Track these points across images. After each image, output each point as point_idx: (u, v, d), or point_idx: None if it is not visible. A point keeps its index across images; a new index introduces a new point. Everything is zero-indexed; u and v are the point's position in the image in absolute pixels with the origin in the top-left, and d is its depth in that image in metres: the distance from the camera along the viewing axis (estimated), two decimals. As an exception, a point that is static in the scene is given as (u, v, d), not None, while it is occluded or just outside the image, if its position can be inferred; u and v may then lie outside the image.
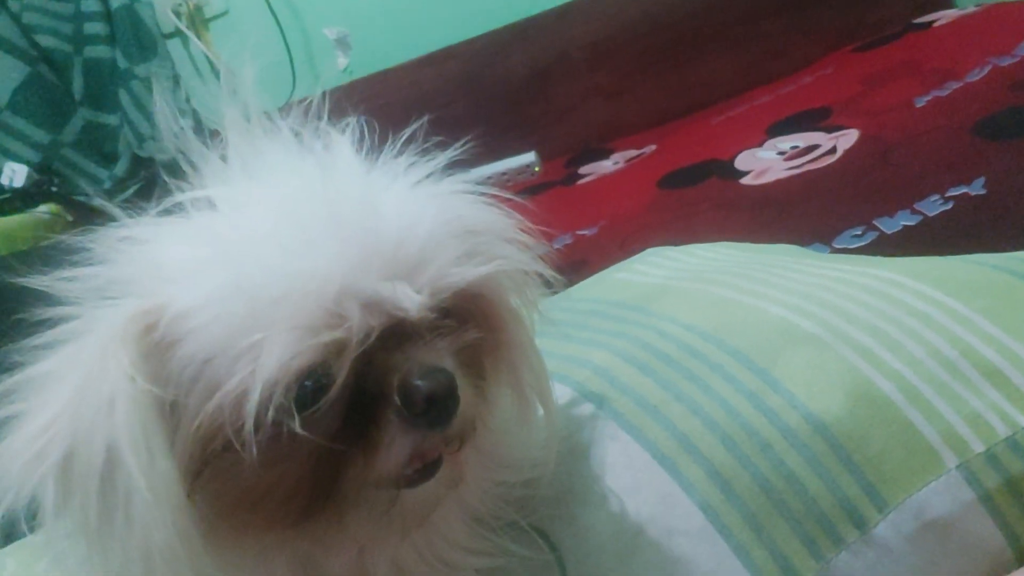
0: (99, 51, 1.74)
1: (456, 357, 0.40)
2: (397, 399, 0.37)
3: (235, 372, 0.35)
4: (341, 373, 0.36)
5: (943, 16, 1.77)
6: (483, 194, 0.45)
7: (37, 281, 0.39)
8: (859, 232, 0.97)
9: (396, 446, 0.37)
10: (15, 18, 1.70)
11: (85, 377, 0.35)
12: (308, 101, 0.44)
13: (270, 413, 0.35)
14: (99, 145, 1.78)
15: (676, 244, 1.14)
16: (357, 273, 0.36)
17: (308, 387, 0.36)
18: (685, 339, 0.47)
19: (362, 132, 0.44)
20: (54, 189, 1.69)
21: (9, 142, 1.73)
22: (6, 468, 0.35)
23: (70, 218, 1.70)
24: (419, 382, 0.37)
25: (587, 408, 0.46)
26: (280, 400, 0.35)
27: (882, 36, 1.77)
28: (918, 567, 0.40)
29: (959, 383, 0.42)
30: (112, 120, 1.76)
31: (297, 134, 0.43)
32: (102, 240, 0.39)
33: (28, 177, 1.67)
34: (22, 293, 0.40)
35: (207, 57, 1.82)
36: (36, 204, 1.63)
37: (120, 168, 1.76)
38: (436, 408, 0.37)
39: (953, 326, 0.44)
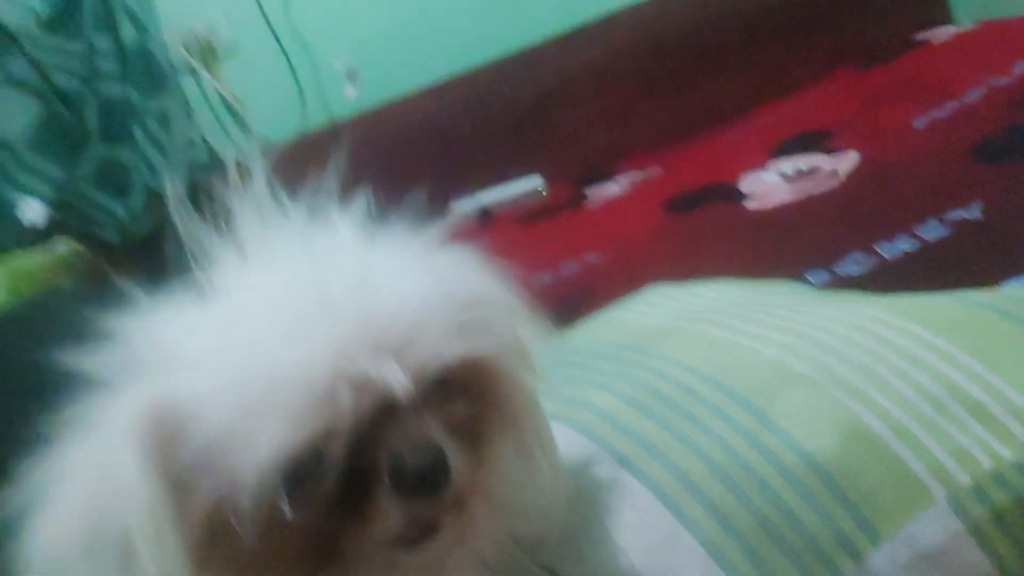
0: (112, 88, 1.78)
1: (451, 426, 0.42)
2: (386, 476, 0.39)
3: (233, 459, 0.37)
4: (333, 455, 0.38)
5: (941, 33, 1.80)
6: (484, 263, 0.46)
7: (62, 353, 0.42)
8: (860, 258, 0.99)
9: (390, 518, 0.39)
10: (29, 58, 1.74)
11: (101, 468, 0.38)
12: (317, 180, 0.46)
13: (265, 496, 0.37)
14: (114, 180, 1.81)
15: (682, 271, 1.17)
16: (346, 357, 0.38)
17: (302, 469, 0.38)
18: (684, 380, 0.49)
19: (365, 200, 0.46)
20: (71, 224, 1.72)
21: (26, 179, 1.76)
22: (34, 553, 0.38)
23: (87, 252, 1.74)
24: (407, 458, 0.39)
25: (591, 450, 0.48)
26: (273, 485, 0.37)
27: (882, 54, 1.79)
28: (912, 596, 0.42)
29: (945, 419, 0.44)
30: (126, 155, 1.80)
31: (308, 210, 0.45)
32: (122, 321, 0.41)
33: (45, 214, 1.71)
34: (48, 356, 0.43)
35: (218, 91, 1.85)
36: (53, 240, 1.67)
37: (135, 203, 1.79)
38: (426, 482, 0.39)
39: (940, 364, 0.46)
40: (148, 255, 0.45)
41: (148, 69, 1.77)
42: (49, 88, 1.76)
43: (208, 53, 1.83)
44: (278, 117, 1.88)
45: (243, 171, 0.49)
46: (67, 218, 1.75)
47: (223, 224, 0.45)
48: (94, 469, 0.38)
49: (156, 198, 1.81)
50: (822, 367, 0.47)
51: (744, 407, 0.46)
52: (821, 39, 1.91)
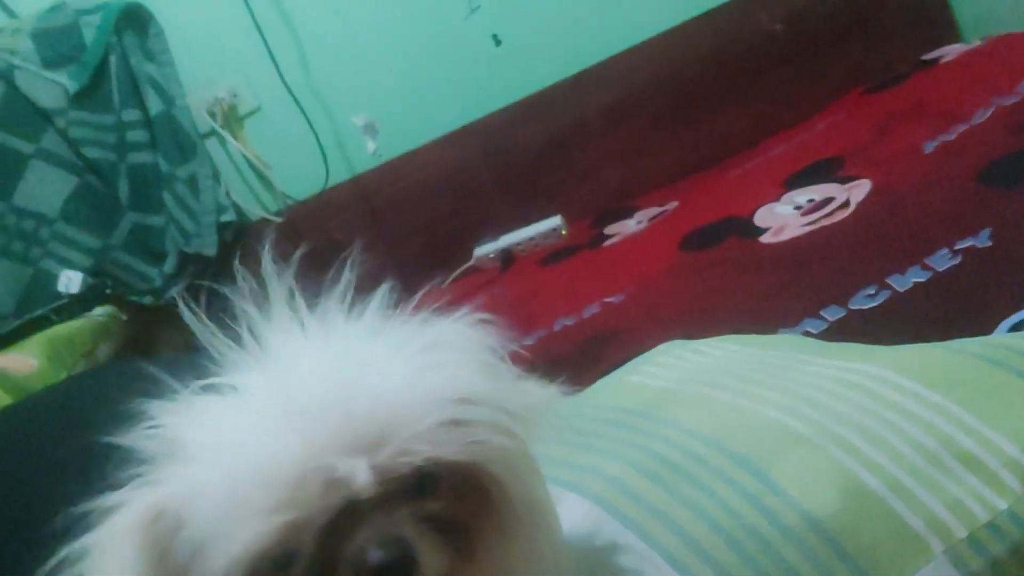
0: (142, 157, 1.85)
1: (435, 522, 0.43)
2: (350, 571, 0.41)
3: (215, 554, 0.40)
4: (303, 549, 0.41)
5: (949, 52, 1.81)
6: (482, 357, 0.47)
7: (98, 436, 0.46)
8: (872, 292, 1.01)
9: None
10: (62, 133, 1.82)
11: (104, 560, 0.42)
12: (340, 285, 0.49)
13: None
14: (147, 245, 1.87)
15: (698, 311, 1.19)
16: (315, 455, 0.40)
17: (275, 563, 0.41)
18: (689, 445, 0.52)
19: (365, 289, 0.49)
20: (108, 291, 1.79)
21: (63, 250, 1.83)
22: None
23: (124, 317, 1.80)
24: (370, 553, 0.40)
25: (604, 519, 0.51)
26: None
27: (891, 76, 1.81)
28: (916, 648, 0.43)
29: (940, 472, 0.46)
30: (158, 221, 1.86)
31: (312, 300, 0.48)
32: (152, 409, 0.45)
33: (83, 282, 1.77)
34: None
35: (243, 153, 1.91)
36: (92, 308, 1.73)
37: (168, 265, 1.85)
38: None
39: (933, 418, 0.48)
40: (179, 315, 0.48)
41: (175, 137, 1.83)
42: (82, 161, 1.84)
43: (232, 118, 1.90)
44: (302, 175, 1.94)
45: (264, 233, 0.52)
46: (103, 284, 1.81)
47: (235, 311, 0.48)
48: (98, 560, 0.42)
49: (188, 260, 1.87)
50: (819, 427, 0.49)
51: (746, 469, 0.49)
52: (829, 64, 1.93)
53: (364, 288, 0.52)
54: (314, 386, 0.43)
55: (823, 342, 0.67)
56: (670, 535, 0.48)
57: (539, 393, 0.63)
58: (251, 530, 0.40)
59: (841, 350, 0.60)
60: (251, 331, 0.46)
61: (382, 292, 0.49)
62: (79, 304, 1.73)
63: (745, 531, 0.46)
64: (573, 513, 0.52)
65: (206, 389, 0.46)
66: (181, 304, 0.48)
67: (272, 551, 0.40)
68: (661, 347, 0.69)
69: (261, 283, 0.49)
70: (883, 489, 0.46)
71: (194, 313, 0.48)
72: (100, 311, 1.73)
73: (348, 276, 0.49)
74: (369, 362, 0.44)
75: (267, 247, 0.50)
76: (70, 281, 1.76)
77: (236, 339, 0.47)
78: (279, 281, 0.48)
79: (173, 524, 0.42)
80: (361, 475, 0.40)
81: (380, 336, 0.47)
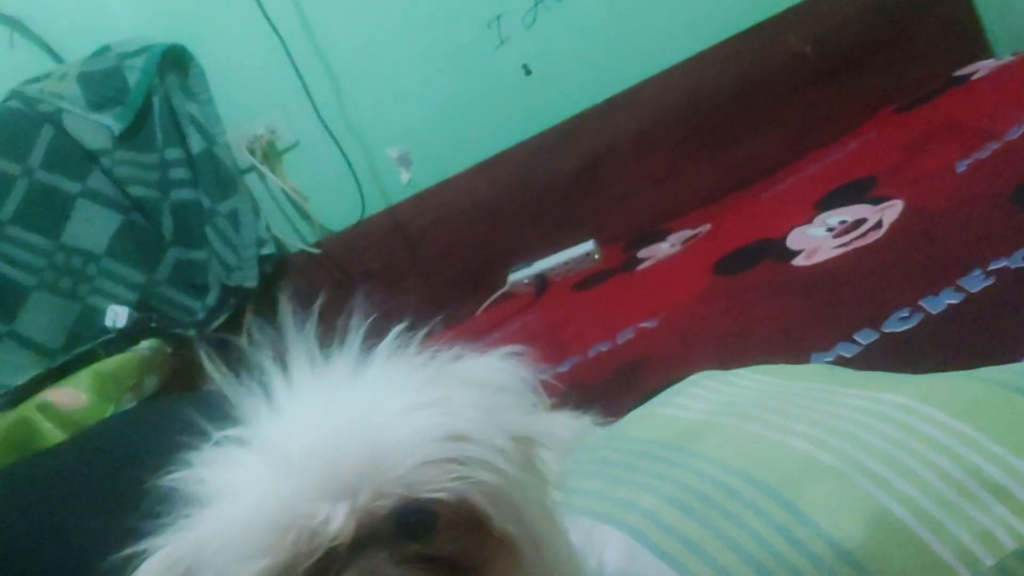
0: (184, 194, 1.90)
1: (422, 561, 0.44)
2: None
3: None
4: None
5: (982, 67, 1.80)
6: (485, 392, 0.49)
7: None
8: (906, 314, 1.01)
9: None
10: (107, 173, 1.88)
11: None
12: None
13: None
14: (190, 279, 1.92)
15: (732, 336, 1.20)
16: (301, 501, 0.43)
17: None
18: (720, 478, 0.53)
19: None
20: (153, 325, 1.83)
21: (110, 286, 1.89)
22: None
23: (169, 350, 1.84)
24: None
25: (639, 551, 0.52)
26: None
27: (923, 94, 1.80)
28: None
29: (967, 502, 0.47)
30: (201, 255, 1.91)
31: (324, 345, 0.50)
32: (183, 455, 0.48)
33: (129, 316, 1.82)
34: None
35: (282, 188, 1.96)
36: (138, 342, 1.77)
37: (211, 298, 1.90)
38: None
39: (960, 448, 0.49)
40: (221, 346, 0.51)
41: (216, 174, 1.88)
42: (127, 199, 1.90)
43: (270, 153, 1.95)
44: (338, 206, 1.98)
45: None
46: (148, 318, 1.86)
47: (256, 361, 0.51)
48: None
49: (229, 293, 1.91)
50: (847, 458, 0.50)
51: (776, 500, 0.50)
52: (859, 84, 1.93)
53: (395, 318, 0.54)
54: (306, 434, 0.45)
55: (852, 371, 0.68)
56: (703, 566, 0.49)
57: (571, 425, 0.65)
58: (244, 573, 0.42)
59: (869, 379, 0.61)
60: (263, 383, 0.49)
61: (393, 333, 0.51)
62: (125, 338, 1.78)
63: (776, 561, 0.47)
64: (609, 546, 0.53)
65: (221, 441, 0.49)
66: (204, 357, 0.50)
67: None
68: (693, 378, 0.71)
69: (296, 316, 0.52)
70: (911, 519, 0.46)
71: (214, 363, 0.50)
72: (145, 344, 1.78)
73: (360, 321, 0.52)
74: (361, 407, 0.47)
75: (284, 301, 0.53)
76: (117, 316, 1.81)
77: (254, 387, 0.50)
78: (296, 331, 0.51)
79: (188, 569, 0.45)
80: (337, 520, 0.43)
81: (379, 378, 0.49)
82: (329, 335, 0.53)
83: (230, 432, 0.49)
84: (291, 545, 0.42)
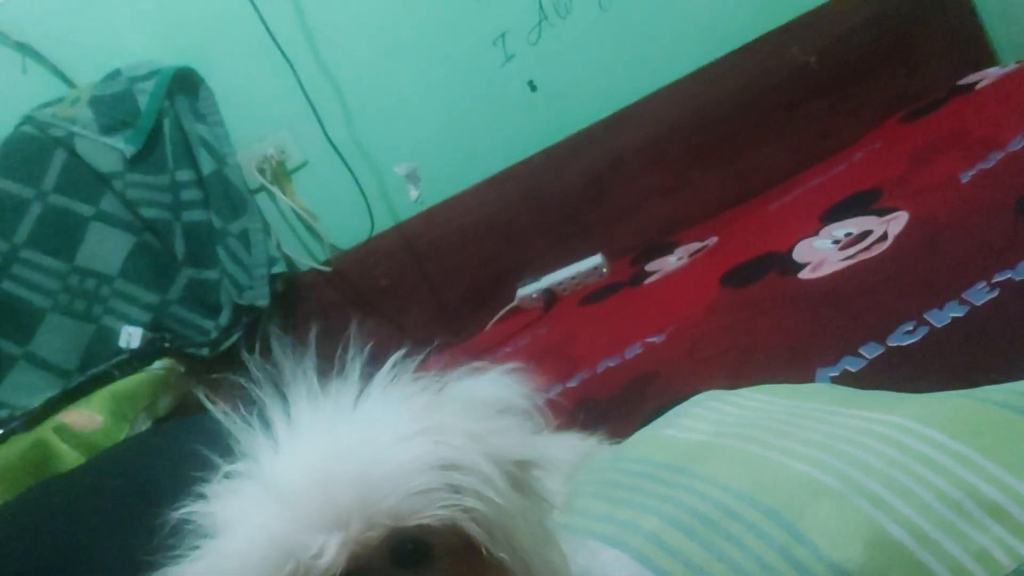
0: (196, 214, 1.92)
1: None
2: None
3: None
4: None
5: (987, 76, 1.80)
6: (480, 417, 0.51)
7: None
8: (911, 328, 1.01)
9: None
10: (120, 195, 1.90)
11: None
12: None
13: None
14: (203, 299, 1.94)
15: (739, 349, 1.21)
16: (296, 533, 0.44)
17: None
18: (722, 500, 0.54)
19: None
20: (167, 345, 1.85)
21: (123, 307, 1.91)
22: None
23: (182, 369, 1.86)
24: None
25: (643, 574, 0.53)
26: None
27: (928, 103, 1.81)
28: None
29: (965, 522, 0.47)
30: (213, 275, 1.93)
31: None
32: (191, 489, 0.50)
33: (143, 337, 1.84)
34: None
35: (292, 207, 1.98)
36: (152, 362, 1.79)
37: (223, 317, 1.92)
38: None
39: (957, 468, 0.49)
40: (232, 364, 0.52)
41: (227, 194, 1.90)
42: (139, 221, 1.92)
43: (280, 173, 1.97)
44: (348, 224, 2.00)
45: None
46: (162, 339, 1.88)
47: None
48: None
49: (242, 312, 1.93)
50: (847, 479, 0.51)
51: (776, 522, 0.51)
52: (864, 94, 1.94)
53: (404, 334, 0.55)
54: (302, 468, 0.47)
55: (853, 390, 0.69)
56: (704, 588, 0.50)
57: (576, 445, 0.66)
58: None
59: (870, 400, 0.62)
60: (263, 416, 0.50)
61: (391, 361, 0.53)
62: (139, 359, 1.80)
63: (776, 583, 0.48)
64: (614, 568, 0.54)
65: (226, 474, 0.51)
66: (203, 398, 0.52)
67: None
68: (696, 398, 0.72)
69: (295, 345, 0.54)
70: (909, 539, 0.47)
71: (214, 403, 0.51)
72: (159, 364, 1.79)
73: (359, 348, 0.53)
74: (355, 439, 0.48)
75: (273, 334, 0.54)
76: (131, 337, 1.83)
77: (254, 420, 0.51)
78: (294, 362, 0.52)
79: None
80: (330, 552, 0.44)
81: (374, 409, 0.50)
82: (336, 353, 0.54)
83: (234, 466, 0.50)
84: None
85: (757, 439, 0.58)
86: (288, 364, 0.51)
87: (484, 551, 0.47)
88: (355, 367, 0.53)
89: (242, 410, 0.51)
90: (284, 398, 0.51)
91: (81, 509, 0.87)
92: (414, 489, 0.46)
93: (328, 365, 0.54)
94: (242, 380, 0.53)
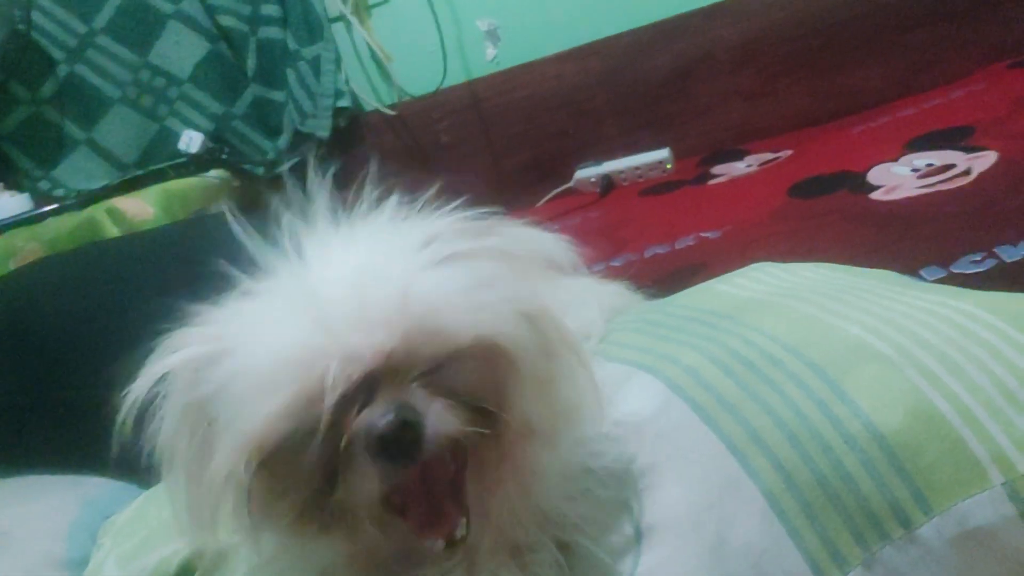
0: (272, 32, 1.90)
1: (460, 396, 0.45)
2: (359, 440, 0.43)
3: (242, 422, 0.44)
4: (321, 423, 0.43)
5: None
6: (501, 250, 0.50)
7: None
8: (979, 258, 0.98)
9: (367, 481, 0.44)
10: (201, -1, 1.88)
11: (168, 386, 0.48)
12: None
13: (266, 452, 0.44)
14: (266, 119, 1.94)
15: (796, 254, 1.18)
16: (333, 334, 0.43)
17: (296, 436, 0.44)
18: (768, 348, 0.52)
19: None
20: (224, 156, 1.86)
21: (188, 111, 1.91)
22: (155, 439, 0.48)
23: (236, 183, 1.87)
24: (375, 423, 0.42)
25: (672, 400, 0.53)
26: (268, 448, 0.43)
27: (1042, 53, 1.72)
28: (957, 569, 0.44)
29: (1014, 410, 0.46)
30: (279, 97, 1.92)
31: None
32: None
33: (202, 144, 1.85)
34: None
35: (367, 43, 1.94)
36: (208, 169, 1.81)
37: (283, 142, 1.92)
38: (391, 445, 0.43)
39: (1018, 359, 0.48)
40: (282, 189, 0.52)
41: (306, 17, 1.87)
42: (216, 28, 1.90)
43: (361, 5, 1.92)
44: (420, 72, 1.96)
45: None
46: (220, 149, 1.89)
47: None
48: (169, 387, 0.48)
49: (301, 139, 1.93)
50: (900, 348, 0.49)
51: (820, 376, 0.49)
52: (978, 32, 1.83)
53: (456, 195, 0.54)
54: (333, 277, 0.46)
55: (920, 281, 0.67)
56: (734, 424, 0.49)
57: (622, 293, 0.65)
58: (268, 405, 0.43)
59: (938, 289, 0.60)
60: (292, 239, 0.49)
61: (428, 193, 0.51)
62: (196, 164, 1.81)
63: (809, 432, 0.47)
64: (645, 392, 0.54)
65: (247, 293, 0.50)
66: (229, 218, 0.50)
67: (288, 427, 0.43)
68: (754, 265, 0.70)
69: (374, 171, 0.53)
70: (953, 414, 0.46)
71: (245, 230, 0.50)
72: (214, 174, 1.81)
73: (382, 182, 0.52)
74: (388, 253, 0.47)
75: (311, 161, 0.53)
76: (191, 141, 1.84)
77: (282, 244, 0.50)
78: (323, 190, 0.51)
79: (210, 379, 0.46)
80: (370, 349, 0.43)
81: (413, 229, 0.49)
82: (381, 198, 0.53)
83: (253, 287, 0.50)
84: (325, 375, 0.43)
85: (813, 302, 0.56)
86: (327, 194, 0.50)
87: (511, 365, 0.47)
88: (394, 201, 0.52)
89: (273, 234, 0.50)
90: (317, 224, 0.50)
91: (128, 267, 0.89)
92: (457, 299, 0.46)
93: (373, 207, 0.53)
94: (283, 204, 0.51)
